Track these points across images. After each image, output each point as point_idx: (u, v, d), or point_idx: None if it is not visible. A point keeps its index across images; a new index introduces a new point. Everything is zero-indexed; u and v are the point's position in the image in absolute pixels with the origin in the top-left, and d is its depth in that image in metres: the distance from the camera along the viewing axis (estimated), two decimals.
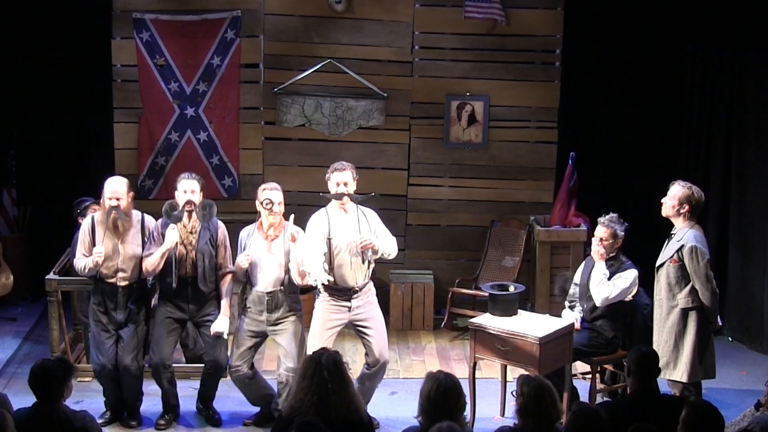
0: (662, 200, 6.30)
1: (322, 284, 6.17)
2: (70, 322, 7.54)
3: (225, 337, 6.38)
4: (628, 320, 6.64)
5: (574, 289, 6.69)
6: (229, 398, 6.78)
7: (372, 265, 6.33)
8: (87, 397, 6.70)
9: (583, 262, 6.71)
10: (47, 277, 6.99)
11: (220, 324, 6.33)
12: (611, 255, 6.44)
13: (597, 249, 6.42)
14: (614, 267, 6.42)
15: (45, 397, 4.82)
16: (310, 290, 6.79)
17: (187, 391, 6.69)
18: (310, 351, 6.13)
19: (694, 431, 4.32)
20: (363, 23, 8.28)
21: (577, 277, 6.67)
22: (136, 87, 8.26)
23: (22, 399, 5.31)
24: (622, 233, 6.45)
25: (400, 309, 8.23)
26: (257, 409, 6.58)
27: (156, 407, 6.56)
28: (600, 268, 6.39)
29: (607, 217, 6.50)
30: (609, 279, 6.38)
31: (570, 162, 7.96)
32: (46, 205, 8.84)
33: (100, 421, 6.06)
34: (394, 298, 8.22)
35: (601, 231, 6.44)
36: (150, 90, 8.24)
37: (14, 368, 7.36)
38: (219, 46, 8.20)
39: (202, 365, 6.56)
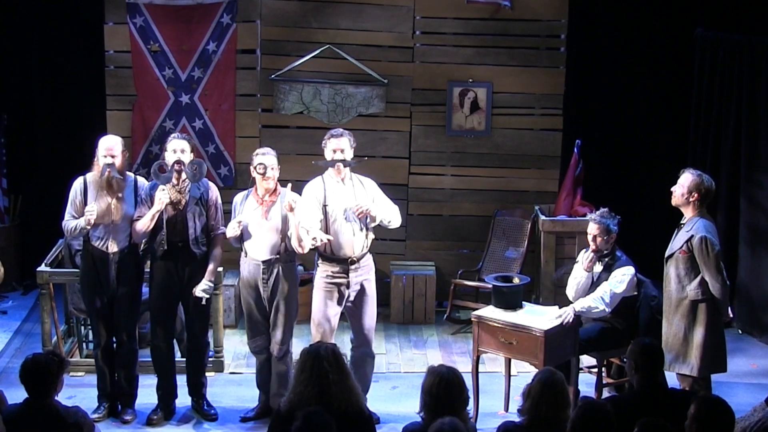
0: (672, 189, 6.14)
1: (320, 249, 6.05)
2: (62, 315, 7.44)
3: (204, 302, 6.22)
4: (635, 313, 6.50)
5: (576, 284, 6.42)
6: (226, 393, 6.73)
7: (371, 236, 6.22)
8: (80, 392, 6.62)
9: (585, 255, 6.43)
10: (38, 268, 6.92)
11: (203, 287, 6.16)
12: (606, 252, 6.27)
13: (588, 257, 6.21)
14: (609, 262, 6.26)
15: (37, 393, 4.73)
16: (308, 283, 6.66)
17: (183, 387, 6.57)
18: (315, 334, 6.10)
19: (705, 426, 4.23)
20: (363, 8, 8.21)
21: (578, 271, 6.43)
22: (130, 73, 8.20)
23: (13, 393, 5.24)
24: (616, 228, 6.27)
25: (401, 301, 8.15)
26: (254, 404, 6.48)
27: (150, 400, 6.44)
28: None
29: (597, 212, 6.33)
30: (605, 272, 6.22)
31: (575, 150, 7.90)
32: (38, 194, 8.81)
33: (93, 416, 5.99)
34: (395, 290, 8.15)
35: (593, 228, 6.26)
36: (144, 76, 8.17)
37: (5, 362, 7.29)
38: (215, 32, 8.11)
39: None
